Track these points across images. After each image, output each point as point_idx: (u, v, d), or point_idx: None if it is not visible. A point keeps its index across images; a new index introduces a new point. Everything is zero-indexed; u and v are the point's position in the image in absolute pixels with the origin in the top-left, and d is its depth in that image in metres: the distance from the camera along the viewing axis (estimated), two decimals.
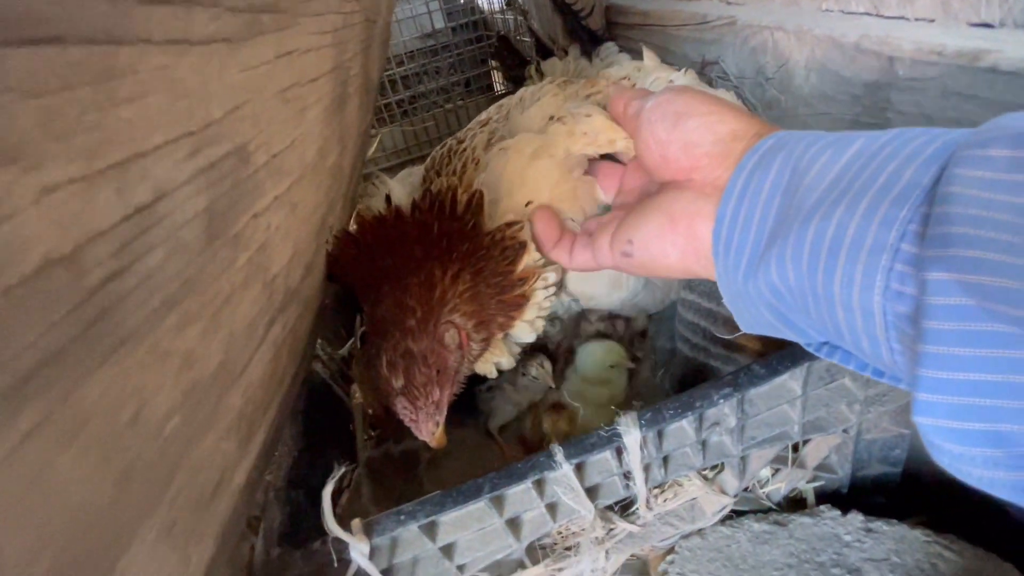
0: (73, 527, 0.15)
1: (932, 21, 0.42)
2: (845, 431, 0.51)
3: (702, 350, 0.67)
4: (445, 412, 0.52)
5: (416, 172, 0.67)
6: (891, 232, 0.24)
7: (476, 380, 0.62)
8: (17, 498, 0.13)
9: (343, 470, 0.42)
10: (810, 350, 0.34)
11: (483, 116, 0.69)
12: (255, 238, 0.24)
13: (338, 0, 0.32)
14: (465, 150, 0.60)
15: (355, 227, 0.61)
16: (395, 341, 0.50)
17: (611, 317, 0.74)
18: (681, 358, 0.71)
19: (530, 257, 0.53)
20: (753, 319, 0.35)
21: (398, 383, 0.50)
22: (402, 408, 0.50)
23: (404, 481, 0.65)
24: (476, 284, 0.52)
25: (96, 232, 0.14)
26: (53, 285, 0.13)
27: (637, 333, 0.76)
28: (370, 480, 0.61)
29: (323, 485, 0.50)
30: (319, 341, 0.65)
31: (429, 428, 0.50)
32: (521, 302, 0.54)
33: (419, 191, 0.60)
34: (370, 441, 0.64)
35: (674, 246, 0.37)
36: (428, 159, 0.67)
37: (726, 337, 0.62)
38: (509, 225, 0.52)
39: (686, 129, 0.36)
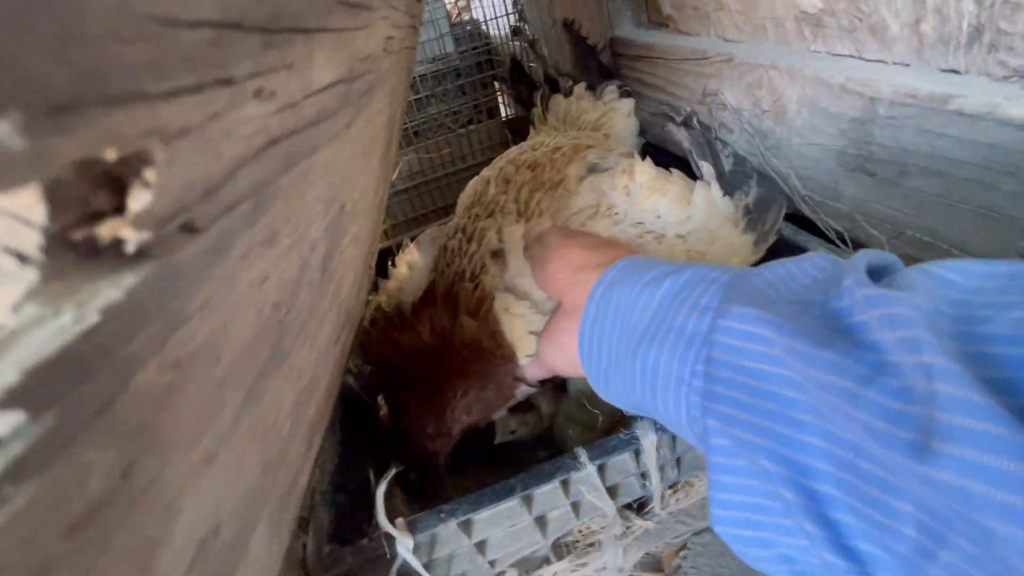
0: (240, 501, 0.19)
1: (908, 66, 0.47)
2: None
3: None
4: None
5: (437, 237, 0.66)
6: (685, 369, 0.30)
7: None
8: (235, 470, 0.17)
9: (394, 471, 0.47)
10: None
11: (490, 191, 0.67)
12: (339, 271, 0.29)
13: (396, 53, 0.37)
14: (472, 255, 0.60)
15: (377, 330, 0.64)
16: (413, 445, 0.58)
17: None
18: None
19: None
20: (622, 406, 0.42)
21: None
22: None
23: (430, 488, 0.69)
24: (480, 390, 0.57)
25: (283, 285, 0.19)
26: (259, 342, 0.18)
27: None
28: (400, 488, 0.65)
29: (361, 489, 0.55)
30: (349, 356, 0.70)
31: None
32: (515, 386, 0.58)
33: (435, 272, 0.62)
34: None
35: (555, 356, 0.47)
36: (448, 231, 0.66)
37: None
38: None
39: (546, 271, 0.48)
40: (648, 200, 0.61)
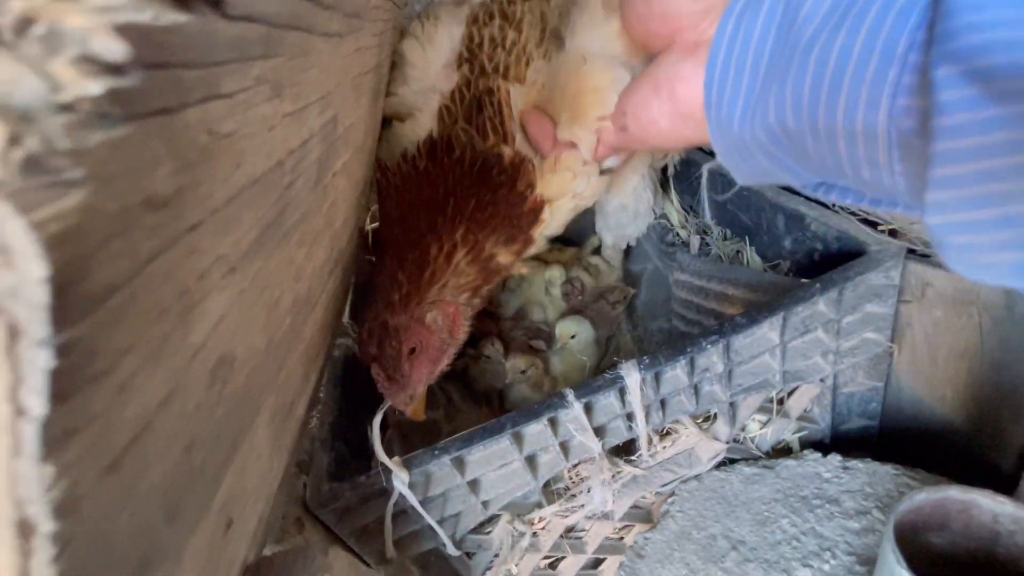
0: (249, 354, 0.21)
1: None
2: (822, 381, 0.58)
3: (696, 324, 0.74)
4: (422, 388, 0.55)
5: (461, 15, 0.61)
6: (898, 45, 0.24)
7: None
8: (246, 313, 0.20)
9: (388, 404, 0.49)
10: (806, 192, 0.36)
11: None
12: (331, 193, 0.32)
13: (384, 11, 0.39)
14: (514, 44, 0.56)
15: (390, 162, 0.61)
16: (377, 311, 0.53)
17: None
18: (677, 335, 0.78)
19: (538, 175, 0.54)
20: (749, 169, 0.35)
21: (372, 351, 0.53)
22: (375, 375, 0.54)
23: (428, 444, 0.71)
24: (479, 239, 0.54)
25: (288, 150, 0.22)
26: (268, 184, 0.20)
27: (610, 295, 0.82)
28: (400, 444, 0.67)
29: (359, 440, 0.57)
30: (349, 321, 0.72)
31: (401, 399, 0.54)
32: (538, 207, 0.55)
33: (459, 55, 0.57)
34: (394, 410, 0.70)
35: (661, 112, 0.37)
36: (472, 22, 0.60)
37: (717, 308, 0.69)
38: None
39: (649, 7, 0.36)
40: None
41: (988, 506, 0.28)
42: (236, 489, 0.23)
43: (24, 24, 0.10)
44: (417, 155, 0.57)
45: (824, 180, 0.34)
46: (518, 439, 0.50)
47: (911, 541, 0.29)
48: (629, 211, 0.78)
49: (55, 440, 0.11)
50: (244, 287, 0.19)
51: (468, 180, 0.55)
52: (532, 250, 0.61)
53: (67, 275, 0.11)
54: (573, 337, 0.76)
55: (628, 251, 0.89)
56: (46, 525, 0.11)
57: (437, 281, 0.54)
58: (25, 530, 0.11)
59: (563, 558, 0.61)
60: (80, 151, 0.10)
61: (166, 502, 0.17)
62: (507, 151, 0.55)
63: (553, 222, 0.60)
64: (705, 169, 0.78)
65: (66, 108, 0.10)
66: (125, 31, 0.11)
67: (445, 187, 0.55)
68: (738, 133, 0.32)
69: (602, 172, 0.57)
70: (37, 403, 0.11)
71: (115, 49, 0.11)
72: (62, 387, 0.11)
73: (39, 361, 0.11)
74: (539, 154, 0.56)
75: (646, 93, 0.38)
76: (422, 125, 0.59)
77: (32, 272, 0.10)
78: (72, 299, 0.11)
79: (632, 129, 0.41)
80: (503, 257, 0.57)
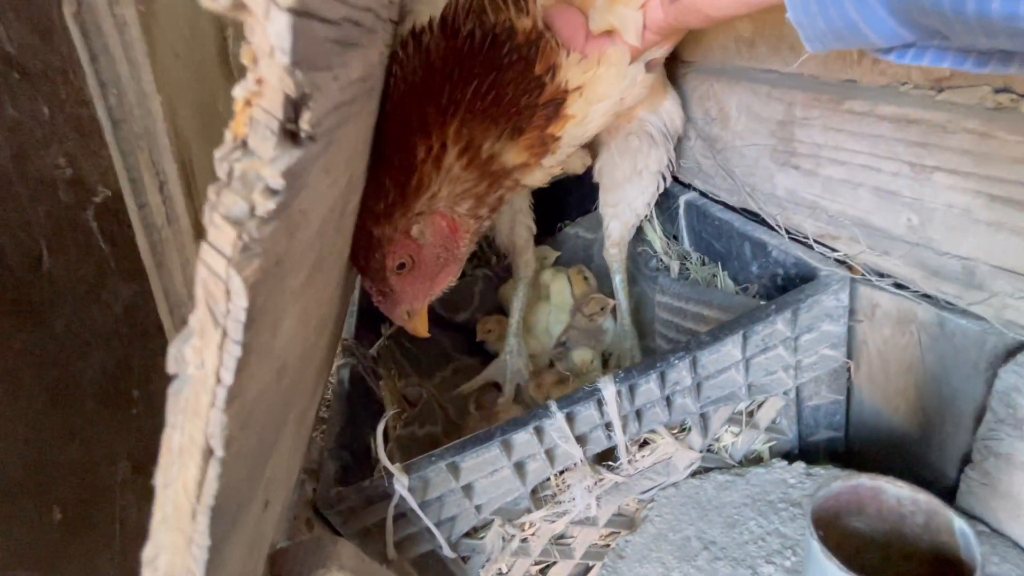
0: (296, 363, 0.28)
1: (816, 77, 0.57)
2: (786, 394, 0.63)
3: (675, 342, 0.80)
4: (419, 304, 0.50)
5: None
6: None
7: None
8: (301, 325, 0.27)
9: (391, 412, 0.54)
10: (889, 58, 0.31)
11: None
12: (345, 230, 0.38)
13: (385, 45, 0.42)
14: None
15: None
16: (362, 220, 0.46)
17: None
18: (660, 352, 0.84)
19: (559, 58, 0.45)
20: (828, 24, 0.31)
21: (360, 261, 0.48)
22: (368, 287, 0.50)
23: None
24: (475, 136, 0.46)
25: (329, 208, 0.29)
26: (319, 235, 0.28)
27: None
28: (400, 454, 0.73)
29: (363, 451, 0.62)
30: (354, 342, 0.78)
31: (396, 314, 0.50)
32: (559, 98, 0.47)
33: None
34: (399, 423, 0.75)
35: None
36: None
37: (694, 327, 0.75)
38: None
39: None
40: None
41: (892, 491, 0.33)
42: (272, 474, 0.29)
43: (231, 173, 0.18)
44: (426, 31, 0.48)
45: (921, 39, 0.29)
46: (507, 447, 0.55)
47: (834, 525, 0.34)
48: (627, 164, 0.69)
49: (230, 400, 0.18)
50: (298, 312, 0.26)
51: (471, 63, 0.46)
52: (555, 155, 0.51)
53: (254, 305, 0.18)
54: (592, 361, 0.83)
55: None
56: (219, 451, 0.19)
57: (425, 190, 0.48)
58: (206, 454, 0.19)
59: (553, 563, 0.65)
60: (262, 239, 0.19)
61: (251, 464, 0.23)
62: (522, 23, 0.46)
63: (587, 125, 0.51)
64: (682, 200, 0.85)
65: (256, 216, 0.18)
66: (283, 171, 0.19)
67: (443, 72, 0.46)
68: None
69: (647, 69, 0.50)
70: (227, 377, 0.19)
71: (279, 182, 0.19)
72: (239, 368, 0.19)
73: (234, 353, 0.19)
74: (570, 51, 0.48)
75: None
76: None
77: (239, 303, 0.19)
78: (251, 316, 0.19)
79: None
80: (510, 157, 0.48)
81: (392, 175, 0.46)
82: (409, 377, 0.85)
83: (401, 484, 0.52)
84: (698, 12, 0.39)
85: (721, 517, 0.59)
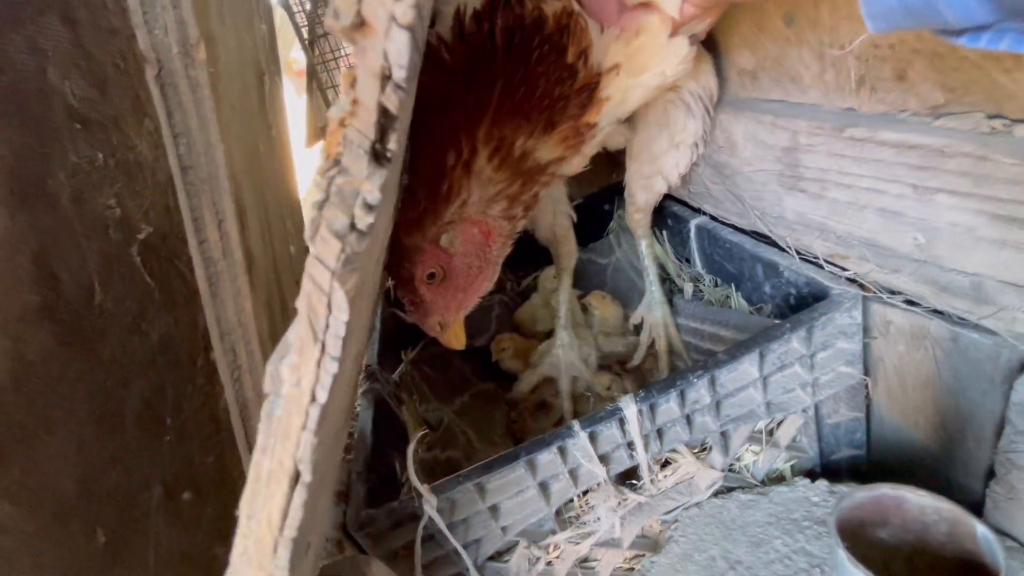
0: (343, 378, 0.30)
1: (818, 106, 0.60)
2: (805, 411, 0.64)
3: (693, 362, 0.81)
4: (451, 315, 0.49)
5: None
6: None
7: None
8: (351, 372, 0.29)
9: (420, 433, 0.56)
10: (960, 41, 0.29)
11: None
12: (379, 266, 0.41)
13: None
14: None
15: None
16: (395, 230, 0.46)
17: None
18: (680, 371, 0.85)
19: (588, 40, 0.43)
20: (897, 0, 0.29)
21: (393, 271, 0.48)
22: (400, 296, 0.49)
23: None
24: (506, 135, 0.43)
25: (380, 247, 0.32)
26: (365, 258, 0.31)
27: None
28: (424, 478, 0.74)
29: (389, 474, 0.64)
30: (377, 367, 0.80)
31: (428, 325, 0.49)
32: (592, 82, 0.44)
33: None
34: (421, 446, 0.77)
35: None
36: None
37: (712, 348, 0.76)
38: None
39: None
40: None
41: (915, 500, 0.34)
42: (321, 510, 0.30)
43: (331, 189, 0.20)
44: (455, 24, 0.46)
45: (1002, 19, 0.27)
46: (532, 466, 0.56)
47: (859, 536, 0.35)
48: (665, 138, 0.66)
49: (321, 420, 0.20)
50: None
51: (499, 60, 0.44)
52: (592, 141, 0.49)
53: (351, 320, 0.20)
54: (608, 388, 0.84)
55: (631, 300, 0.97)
56: (307, 476, 0.20)
57: (456, 197, 0.46)
58: (293, 480, 0.19)
59: None
60: (360, 253, 0.20)
61: (315, 497, 0.25)
62: (551, 6, 0.44)
63: (626, 104, 0.49)
64: (693, 224, 0.87)
65: (355, 230, 0.20)
66: (380, 185, 0.21)
67: (469, 72, 0.45)
68: None
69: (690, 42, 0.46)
70: (322, 395, 0.20)
71: (376, 196, 0.20)
72: (333, 386, 0.20)
73: (330, 370, 0.19)
74: (603, 27, 0.45)
75: None
76: None
77: (341, 317, 0.20)
78: (349, 331, 0.20)
79: None
80: (544, 152, 0.46)
81: (422, 183, 0.46)
82: (429, 402, 0.87)
83: (430, 504, 0.54)
84: None
85: (746, 536, 0.59)
